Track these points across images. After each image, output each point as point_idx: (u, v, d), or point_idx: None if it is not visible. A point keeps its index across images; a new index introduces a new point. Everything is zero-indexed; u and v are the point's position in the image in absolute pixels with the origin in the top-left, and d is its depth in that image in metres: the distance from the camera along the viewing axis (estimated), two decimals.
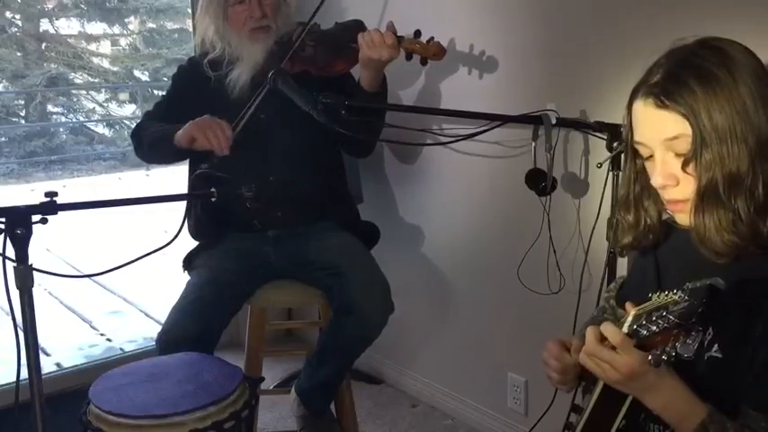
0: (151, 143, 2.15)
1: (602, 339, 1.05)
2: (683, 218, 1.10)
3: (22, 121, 10.35)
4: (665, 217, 1.19)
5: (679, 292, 0.96)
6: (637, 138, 1.11)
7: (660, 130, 1.06)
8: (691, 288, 0.95)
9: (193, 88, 2.24)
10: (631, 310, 1.00)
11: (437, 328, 2.65)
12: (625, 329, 1.00)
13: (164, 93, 2.40)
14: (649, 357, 0.96)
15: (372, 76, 2.07)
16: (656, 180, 1.09)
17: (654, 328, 0.95)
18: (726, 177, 1.02)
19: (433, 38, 2.04)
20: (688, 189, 1.07)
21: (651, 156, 1.10)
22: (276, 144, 2.17)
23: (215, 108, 2.14)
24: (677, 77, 1.04)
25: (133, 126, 2.29)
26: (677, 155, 1.06)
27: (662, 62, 1.08)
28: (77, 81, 10.61)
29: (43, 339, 2.88)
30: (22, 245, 1.36)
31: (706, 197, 1.04)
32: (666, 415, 1.07)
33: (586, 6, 2.00)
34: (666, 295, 0.97)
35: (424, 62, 2.07)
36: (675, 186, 1.08)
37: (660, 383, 1.04)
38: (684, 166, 1.05)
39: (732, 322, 1.04)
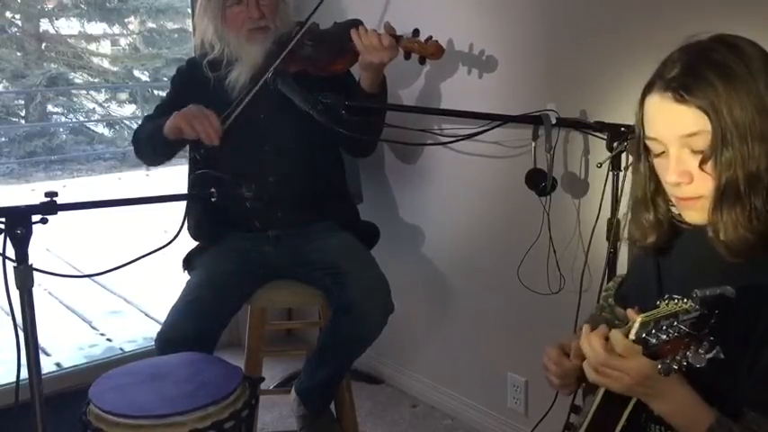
0: (146, 140, 2.17)
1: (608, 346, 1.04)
2: (693, 215, 1.09)
3: (22, 121, 10.35)
4: (670, 215, 1.17)
5: (690, 302, 0.93)
6: (650, 133, 1.08)
7: (678, 126, 1.04)
8: (701, 297, 0.92)
9: (193, 89, 2.23)
10: (637, 317, 0.97)
11: (437, 328, 2.65)
12: (632, 336, 0.97)
13: (164, 93, 2.40)
14: (659, 366, 0.93)
15: (372, 78, 2.07)
16: (670, 177, 1.06)
17: (663, 336, 0.92)
18: (746, 176, 1.01)
19: (431, 37, 2.04)
20: (702, 186, 1.05)
21: (663, 152, 1.07)
22: (276, 144, 2.17)
23: (214, 110, 2.14)
24: (696, 72, 1.02)
25: (134, 127, 2.30)
26: (694, 152, 1.04)
27: (677, 57, 1.05)
28: (77, 81, 10.61)
29: (43, 339, 2.88)
30: (22, 245, 1.36)
31: (726, 195, 1.02)
32: (674, 420, 1.07)
33: (586, 6, 2.00)
34: (676, 303, 0.94)
35: (422, 61, 2.07)
36: (689, 184, 1.05)
37: (670, 391, 1.04)
38: (702, 163, 1.03)
39: (735, 324, 1.03)
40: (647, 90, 1.08)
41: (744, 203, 1.02)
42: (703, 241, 1.08)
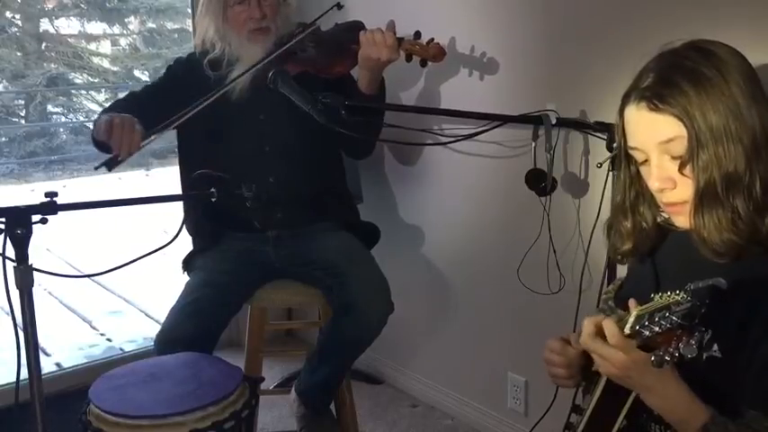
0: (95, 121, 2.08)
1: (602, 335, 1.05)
2: (682, 220, 1.11)
3: (22, 121, 10.35)
4: (659, 220, 1.20)
5: (681, 293, 0.95)
6: (631, 143, 1.11)
7: (654, 134, 1.06)
8: (693, 289, 0.95)
9: (190, 83, 2.21)
10: (633, 310, 1.00)
11: (437, 328, 2.65)
12: (627, 330, 0.99)
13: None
14: (652, 358, 0.95)
15: (370, 78, 2.06)
16: (653, 184, 1.09)
17: (656, 328, 0.94)
18: (723, 177, 1.03)
19: (433, 39, 2.04)
20: (686, 191, 1.07)
21: (646, 160, 1.10)
22: (276, 144, 2.17)
23: (214, 109, 2.14)
24: (669, 80, 1.05)
25: None
26: (673, 158, 1.06)
27: (651, 66, 1.09)
28: (77, 81, 10.61)
29: (43, 339, 2.89)
30: (22, 245, 1.36)
31: (705, 198, 1.04)
32: (668, 416, 1.07)
33: (587, 7, 2.00)
34: (669, 296, 0.96)
35: (423, 64, 2.07)
36: (673, 189, 1.08)
37: (662, 386, 1.04)
38: (681, 168, 1.06)
39: (731, 322, 1.04)
40: (625, 100, 1.10)
41: (724, 205, 1.04)
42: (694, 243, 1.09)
